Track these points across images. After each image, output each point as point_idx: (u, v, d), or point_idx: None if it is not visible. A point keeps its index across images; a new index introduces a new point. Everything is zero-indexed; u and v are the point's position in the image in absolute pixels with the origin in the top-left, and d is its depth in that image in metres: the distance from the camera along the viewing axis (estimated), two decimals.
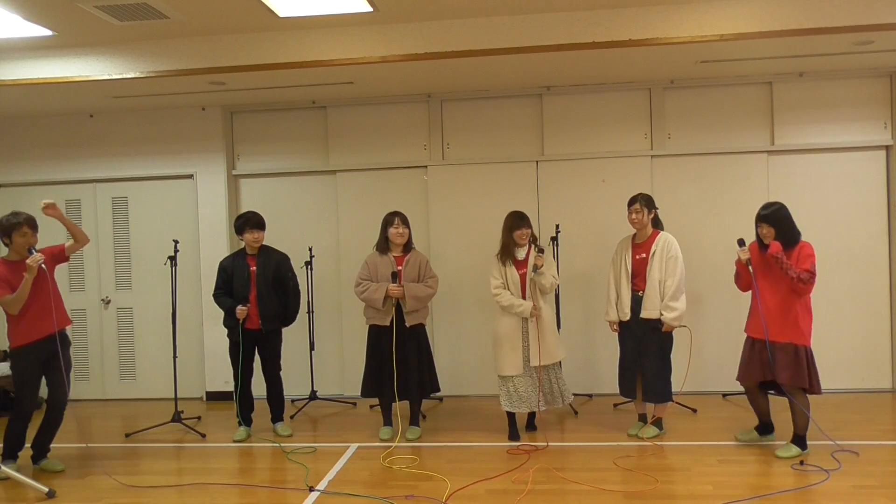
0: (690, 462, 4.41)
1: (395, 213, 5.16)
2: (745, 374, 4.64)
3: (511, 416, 5.03)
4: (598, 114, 6.26)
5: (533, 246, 5.01)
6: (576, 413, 5.62)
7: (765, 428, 4.79)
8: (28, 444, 4.64)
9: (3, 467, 4.40)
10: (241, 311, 5.14)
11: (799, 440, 4.47)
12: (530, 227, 5.01)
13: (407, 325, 5.05)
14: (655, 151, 6.16)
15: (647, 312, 4.81)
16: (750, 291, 4.65)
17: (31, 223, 4.50)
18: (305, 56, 5.11)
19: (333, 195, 6.55)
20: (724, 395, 5.92)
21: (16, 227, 4.44)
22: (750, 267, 4.52)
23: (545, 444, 4.84)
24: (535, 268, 4.89)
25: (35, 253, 4.38)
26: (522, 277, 4.93)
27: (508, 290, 4.92)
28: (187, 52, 5.22)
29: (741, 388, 5.43)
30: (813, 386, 4.40)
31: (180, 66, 5.24)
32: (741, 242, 4.57)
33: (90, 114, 6.68)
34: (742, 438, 4.80)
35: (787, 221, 4.43)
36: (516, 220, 4.97)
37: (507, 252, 4.97)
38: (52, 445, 4.72)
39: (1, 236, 4.51)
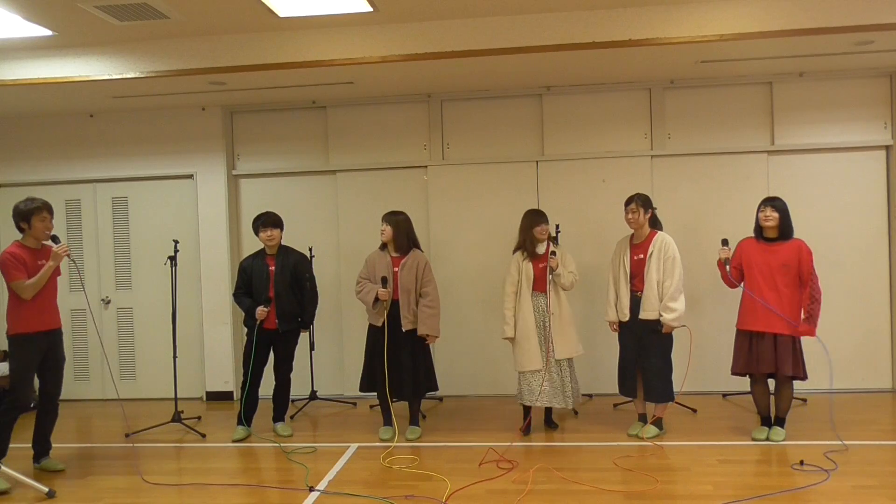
0: (690, 462, 4.40)
1: (386, 213, 5.20)
2: (753, 366, 4.72)
3: (527, 409, 5.05)
4: (598, 114, 6.26)
5: (551, 243, 5.09)
6: (576, 413, 5.61)
7: (766, 421, 4.85)
8: (28, 445, 4.63)
9: (3, 468, 4.39)
10: (261, 311, 5.15)
11: (782, 422, 4.78)
12: (548, 222, 5.08)
13: (403, 329, 5.04)
14: (655, 151, 6.16)
15: (646, 313, 4.81)
16: (740, 289, 4.81)
17: (50, 208, 4.47)
18: (305, 56, 5.11)
19: (333, 195, 6.55)
20: (725, 395, 5.92)
21: (35, 211, 4.38)
22: (728, 266, 4.75)
23: (509, 444, 4.86)
24: (551, 270, 4.97)
25: (60, 242, 4.35)
26: (540, 272, 5.00)
27: (522, 284, 5.01)
28: (187, 52, 5.22)
29: (741, 389, 5.46)
30: (802, 373, 4.68)
31: (180, 66, 5.24)
32: (724, 242, 4.81)
33: (90, 114, 6.68)
34: (759, 437, 4.78)
35: (788, 214, 4.72)
36: (535, 217, 5.08)
37: (525, 248, 5.06)
38: (52, 445, 4.72)
39: (18, 221, 4.41)
